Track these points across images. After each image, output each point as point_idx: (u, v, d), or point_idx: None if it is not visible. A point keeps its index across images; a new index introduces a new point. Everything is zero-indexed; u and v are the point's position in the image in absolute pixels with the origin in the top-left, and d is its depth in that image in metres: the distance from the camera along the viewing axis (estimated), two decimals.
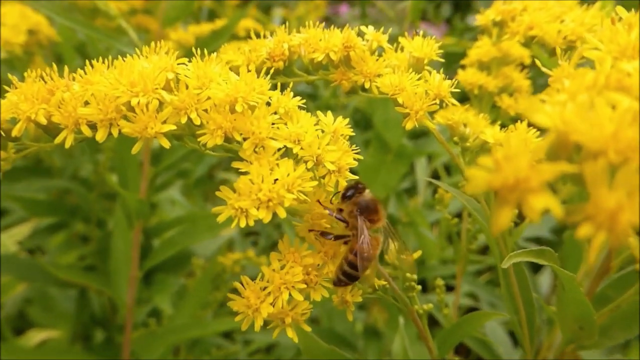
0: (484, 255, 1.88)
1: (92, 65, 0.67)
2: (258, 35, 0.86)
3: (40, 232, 1.87)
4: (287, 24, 0.85)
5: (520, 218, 0.90)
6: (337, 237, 0.71)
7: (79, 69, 0.66)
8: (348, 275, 0.70)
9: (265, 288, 0.68)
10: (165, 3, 1.39)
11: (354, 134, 0.76)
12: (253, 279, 0.69)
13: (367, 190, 0.73)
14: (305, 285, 0.69)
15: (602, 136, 0.38)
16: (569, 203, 0.40)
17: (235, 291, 0.69)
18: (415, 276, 0.80)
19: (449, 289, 2.02)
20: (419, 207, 1.94)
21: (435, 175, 2.11)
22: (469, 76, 1.14)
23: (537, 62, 0.69)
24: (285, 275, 0.68)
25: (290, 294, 0.67)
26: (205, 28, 1.52)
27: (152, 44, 0.68)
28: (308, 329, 0.70)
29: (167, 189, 1.86)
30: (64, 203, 1.79)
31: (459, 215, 1.23)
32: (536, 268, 1.98)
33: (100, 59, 0.67)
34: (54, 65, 0.66)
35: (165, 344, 1.52)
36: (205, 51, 0.69)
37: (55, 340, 1.77)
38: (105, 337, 1.81)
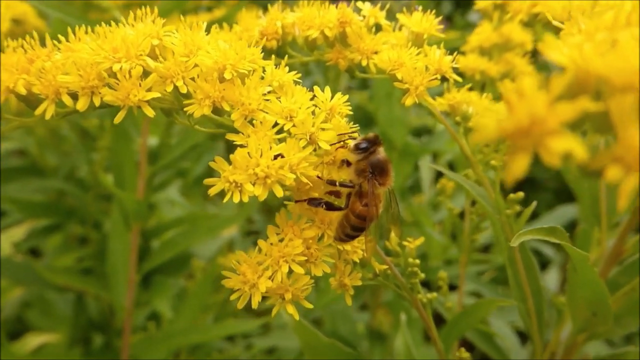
0: (487, 254, 1.84)
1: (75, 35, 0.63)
2: None
3: (37, 233, 1.84)
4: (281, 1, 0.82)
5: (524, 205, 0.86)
6: (328, 207, 0.67)
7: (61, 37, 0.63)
8: (351, 237, 0.67)
9: (262, 263, 0.63)
10: None
11: (352, 113, 0.73)
12: None
13: (382, 147, 0.68)
14: (306, 259, 0.64)
15: (629, 67, 0.34)
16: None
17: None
18: (417, 261, 0.76)
19: (453, 288, 1.98)
20: (423, 206, 1.90)
21: (440, 173, 2.07)
22: (470, 61, 1.11)
23: (545, 17, 0.64)
24: (284, 248, 0.63)
25: (290, 268, 0.63)
26: (202, 19, 1.49)
27: (138, 11, 0.64)
28: (309, 305, 0.65)
29: (165, 188, 1.82)
30: (60, 204, 1.76)
31: (462, 213, 1.19)
32: (543, 265, 1.93)
33: (84, 27, 0.63)
34: (35, 35, 0.63)
35: (165, 349, 1.47)
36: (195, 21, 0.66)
37: (53, 345, 1.73)
38: (104, 341, 1.77)
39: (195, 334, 1.53)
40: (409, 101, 0.73)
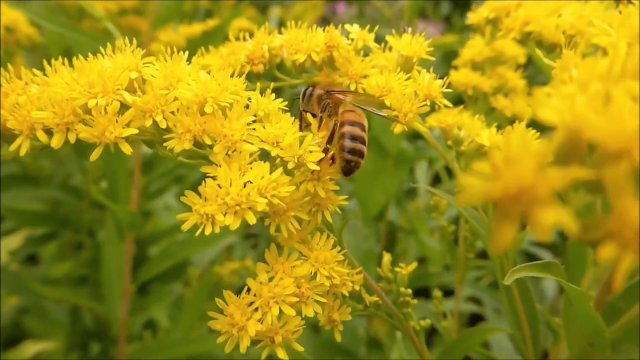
0: (484, 260, 1.83)
1: (51, 66, 0.61)
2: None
3: (33, 241, 1.83)
4: (284, 24, 0.80)
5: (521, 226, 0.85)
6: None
7: (35, 70, 0.61)
8: (352, 151, 0.67)
9: (251, 303, 0.61)
10: (155, 3, 1.34)
11: None
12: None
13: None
14: (297, 299, 0.62)
15: (624, 132, 0.31)
16: (582, 216, 0.34)
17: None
18: (409, 291, 0.74)
19: (452, 293, 1.96)
20: (419, 212, 1.88)
21: (437, 178, 2.05)
22: (462, 76, 1.09)
23: (538, 52, 0.62)
24: (274, 288, 0.61)
25: (280, 309, 0.60)
26: (197, 28, 1.47)
27: (117, 42, 0.62)
28: (300, 348, 0.63)
29: (161, 195, 1.81)
30: (55, 213, 1.75)
31: (458, 220, 1.18)
32: None
33: (61, 59, 0.61)
34: (10, 67, 0.61)
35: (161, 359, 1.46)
36: (175, 49, 0.64)
37: (51, 352, 1.72)
38: (101, 349, 1.76)
39: (193, 345, 1.52)
40: (397, 129, 0.71)
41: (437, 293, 0.97)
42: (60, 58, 0.60)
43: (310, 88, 0.73)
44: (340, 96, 0.70)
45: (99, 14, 1.28)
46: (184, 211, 1.81)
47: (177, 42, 1.44)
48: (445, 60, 2.06)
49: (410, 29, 0.78)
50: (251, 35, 0.80)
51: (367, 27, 0.78)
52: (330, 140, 0.68)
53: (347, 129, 0.68)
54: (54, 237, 1.79)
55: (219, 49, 0.80)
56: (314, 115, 0.71)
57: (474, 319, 1.96)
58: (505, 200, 0.31)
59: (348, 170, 0.68)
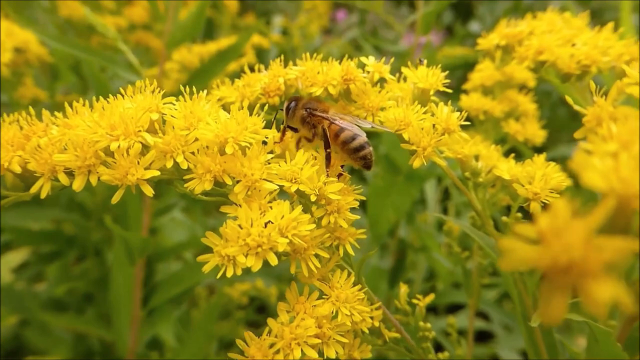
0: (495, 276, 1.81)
1: (72, 107, 0.61)
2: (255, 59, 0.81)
3: (38, 259, 1.83)
4: (287, 33, 0.80)
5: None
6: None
7: (57, 114, 0.61)
8: (361, 147, 0.71)
9: (273, 345, 0.60)
10: (170, 24, 1.33)
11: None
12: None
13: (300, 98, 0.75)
14: (319, 340, 0.61)
15: None
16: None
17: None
18: (429, 325, 0.74)
19: (459, 308, 1.95)
20: (429, 229, 1.87)
21: (447, 193, 2.05)
22: (474, 101, 1.09)
23: (568, 99, 0.62)
24: (296, 329, 0.61)
25: (302, 351, 0.60)
26: (211, 47, 1.46)
27: (137, 83, 0.62)
28: None
29: (170, 212, 1.80)
30: (60, 232, 1.74)
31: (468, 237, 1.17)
32: None
33: (82, 100, 0.61)
34: (32, 110, 0.61)
35: None
36: (194, 88, 0.64)
37: None
38: None
39: None
40: (416, 163, 0.71)
41: (451, 320, 0.96)
42: (81, 100, 0.60)
43: (294, 103, 0.74)
44: (322, 115, 0.72)
45: (112, 35, 1.28)
46: (190, 225, 1.79)
47: (190, 61, 1.44)
48: (449, 67, 2.07)
49: (425, 61, 0.77)
50: (265, 68, 0.80)
51: (383, 59, 0.78)
52: (327, 144, 0.70)
53: (344, 134, 0.71)
54: (60, 255, 1.78)
55: (235, 82, 0.80)
56: (296, 130, 0.74)
57: (482, 336, 1.95)
58: (555, 272, 0.30)
59: (368, 164, 0.72)
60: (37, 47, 1.46)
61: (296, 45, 2.44)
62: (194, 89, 0.64)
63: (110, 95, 0.62)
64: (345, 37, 2.89)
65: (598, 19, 2.75)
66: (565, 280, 0.30)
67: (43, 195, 0.58)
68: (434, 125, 0.71)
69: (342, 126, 0.71)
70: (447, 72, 0.77)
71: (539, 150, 0.91)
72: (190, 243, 1.84)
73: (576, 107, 0.55)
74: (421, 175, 1.72)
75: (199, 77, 1.30)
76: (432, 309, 1.90)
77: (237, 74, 0.83)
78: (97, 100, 0.62)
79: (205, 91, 0.65)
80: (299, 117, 0.73)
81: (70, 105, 0.62)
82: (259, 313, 1.95)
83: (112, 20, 1.62)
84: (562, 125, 2.50)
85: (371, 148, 0.73)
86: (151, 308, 1.47)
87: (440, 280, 1.90)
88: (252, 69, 0.81)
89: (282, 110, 0.75)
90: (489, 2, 3.13)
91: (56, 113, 0.61)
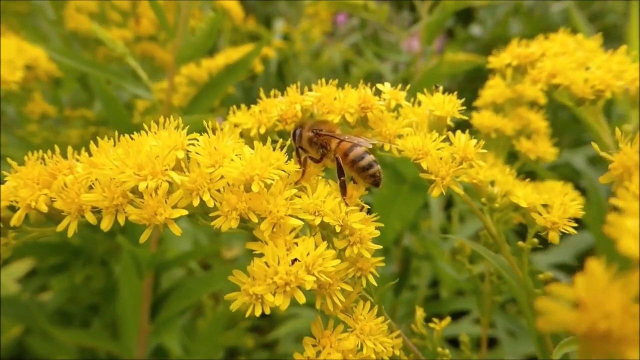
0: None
1: (97, 145, 0.62)
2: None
3: (44, 272, 1.82)
4: (288, 38, 0.80)
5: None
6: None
7: (83, 152, 0.61)
8: (370, 165, 0.71)
9: None
10: (180, 39, 1.33)
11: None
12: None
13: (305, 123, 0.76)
14: None
15: None
16: None
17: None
18: (447, 351, 0.74)
19: (462, 315, 1.96)
20: (433, 237, 1.88)
21: (451, 200, 2.06)
22: (485, 119, 1.10)
23: (594, 146, 0.62)
24: None
25: None
26: (220, 61, 1.46)
27: (161, 119, 0.63)
28: None
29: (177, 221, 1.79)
30: (66, 244, 1.74)
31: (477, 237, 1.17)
32: None
33: (106, 138, 0.62)
34: (57, 148, 0.61)
35: None
36: (217, 124, 0.64)
37: None
38: None
39: None
40: (435, 193, 0.71)
41: (464, 337, 0.97)
42: (106, 137, 0.60)
43: (299, 129, 0.76)
44: (330, 134, 0.74)
45: (121, 50, 1.28)
46: (195, 233, 1.78)
47: (199, 75, 1.43)
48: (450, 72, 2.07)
49: (441, 88, 0.78)
50: (281, 95, 0.80)
51: (399, 86, 0.79)
52: (340, 172, 0.71)
53: (353, 153, 0.72)
54: (65, 267, 1.78)
55: (251, 108, 0.80)
56: (305, 151, 0.75)
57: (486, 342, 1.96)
58: (593, 337, 0.31)
59: (377, 182, 0.73)
60: (47, 63, 1.46)
61: (298, 50, 2.44)
62: (217, 124, 0.64)
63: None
64: (347, 42, 2.89)
65: (599, 21, 2.76)
66: (603, 346, 0.31)
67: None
68: (452, 155, 0.72)
69: (352, 143, 0.72)
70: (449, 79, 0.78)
71: None
72: (195, 252, 1.85)
73: (603, 154, 0.56)
74: (426, 184, 1.72)
75: (208, 92, 1.30)
76: (436, 315, 1.90)
77: None
78: (119, 136, 0.62)
79: (227, 124, 0.65)
80: (307, 139, 0.74)
81: (95, 142, 0.62)
82: (262, 318, 1.95)
83: (119, 33, 1.61)
84: (563, 128, 2.51)
85: (379, 166, 0.73)
86: (159, 321, 1.47)
87: (445, 287, 1.91)
88: (268, 96, 0.81)
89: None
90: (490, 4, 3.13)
91: (83, 152, 0.61)
